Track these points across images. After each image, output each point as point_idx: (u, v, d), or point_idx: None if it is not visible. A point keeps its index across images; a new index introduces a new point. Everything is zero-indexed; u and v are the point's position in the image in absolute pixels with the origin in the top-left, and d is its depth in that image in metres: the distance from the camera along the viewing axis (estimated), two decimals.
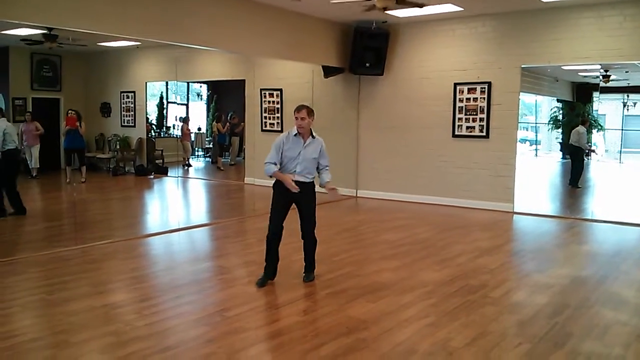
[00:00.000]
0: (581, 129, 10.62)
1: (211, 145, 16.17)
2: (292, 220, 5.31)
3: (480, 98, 9.47)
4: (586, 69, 10.23)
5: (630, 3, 8.08)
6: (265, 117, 12.01)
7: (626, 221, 8.53)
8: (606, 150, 11.98)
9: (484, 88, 9.41)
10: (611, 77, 10.44)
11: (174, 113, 15.43)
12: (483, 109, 9.46)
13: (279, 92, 11.74)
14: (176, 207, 10.77)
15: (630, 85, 11.08)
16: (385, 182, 10.64)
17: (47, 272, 5.62)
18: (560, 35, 8.68)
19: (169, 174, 13.95)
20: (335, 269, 5.81)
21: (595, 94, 11.14)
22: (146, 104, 13.98)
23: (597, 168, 11.92)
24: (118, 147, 13.72)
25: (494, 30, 9.33)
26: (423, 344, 3.95)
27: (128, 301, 4.84)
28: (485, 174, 9.50)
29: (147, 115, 14.20)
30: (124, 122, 14.00)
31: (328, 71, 10.49)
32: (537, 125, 12.61)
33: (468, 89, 9.58)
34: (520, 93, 9.33)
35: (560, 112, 12.12)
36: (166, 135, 15.31)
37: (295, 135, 5.13)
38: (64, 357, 3.67)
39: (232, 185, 13.36)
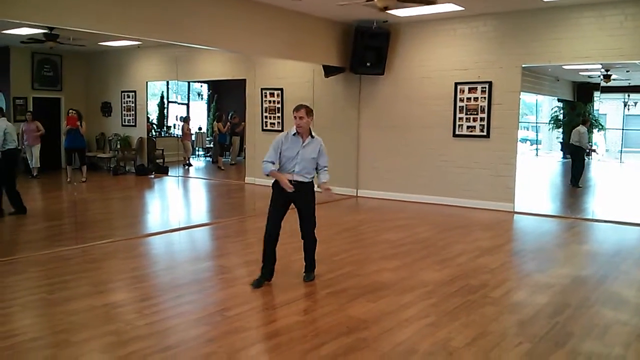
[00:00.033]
0: (582, 128, 10.62)
1: (212, 145, 16.18)
2: (293, 221, 5.31)
3: (481, 97, 9.46)
4: (587, 69, 10.23)
5: (631, 2, 8.07)
6: (266, 117, 12.01)
7: (626, 221, 8.52)
8: (607, 150, 11.98)
9: (485, 87, 9.41)
10: (612, 77, 10.44)
11: (174, 112, 15.44)
12: (484, 109, 9.45)
13: (279, 91, 11.74)
14: (177, 206, 10.77)
15: (631, 84, 11.08)
16: (386, 182, 10.64)
17: (48, 272, 5.62)
18: (561, 34, 8.67)
19: (169, 174, 13.97)
20: (336, 269, 5.81)
21: (596, 94, 11.14)
22: (147, 104, 13.99)
23: (597, 168, 11.92)
24: (119, 146, 13.73)
25: (495, 30, 9.33)
26: (423, 343, 3.95)
27: (128, 300, 4.84)
28: (486, 173, 9.50)
29: (148, 115, 14.21)
30: (125, 122, 14.01)
31: (329, 71, 10.49)
32: (538, 124, 12.61)
33: (469, 88, 9.58)
34: (521, 93, 9.32)
35: (561, 111, 12.13)
36: (167, 134, 15.32)
37: (294, 134, 5.13)
38: (64, 357, 3.67)
39: (233, 184, 13.36)
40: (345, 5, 7.95)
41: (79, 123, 11.36)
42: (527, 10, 8.89)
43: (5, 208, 8.21)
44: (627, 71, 10.36)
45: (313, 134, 5.20)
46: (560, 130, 12.14)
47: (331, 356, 3.71)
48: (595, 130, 11.39)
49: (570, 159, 11.32)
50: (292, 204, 5.23)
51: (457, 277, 5.60)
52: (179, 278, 5.54)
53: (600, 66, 9.93)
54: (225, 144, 15.25)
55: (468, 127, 9.64)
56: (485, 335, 4.11)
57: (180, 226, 8.05)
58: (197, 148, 16.44)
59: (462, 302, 4.82)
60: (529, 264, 6.30)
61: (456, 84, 9.69)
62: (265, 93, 11.98)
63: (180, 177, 14.30)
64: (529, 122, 12.49)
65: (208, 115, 16.67)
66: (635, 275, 5.87)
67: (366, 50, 10.00)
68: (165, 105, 15.18)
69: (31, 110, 12.58)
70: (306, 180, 5.18)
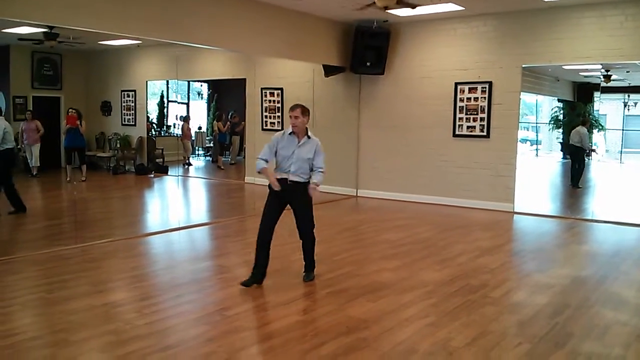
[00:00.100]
0: (582, 129, 10.62)
1: (212, 144, 16.17)
2: (293, 220, 5.30)
3: (481, 98, 9.46)
4: (587, 69, 10.22)
5: (632, 2, 8.07)
6: (266, 117, 12.01)
7: (626, 221, 8.52)
8: (607, 151, 11.98)
9: (485, 88, 9.40)
10: (612, 77, 10.43)
11: (174, 112, 15.43)
12: (484, 109, 9.45)
13: (279, 91, 11.73)
14: (176, 206, 10.77)
15: (631, 85, 11.07)
16: (386, 182, 10.63)
17: (47, 271, 5.62)
18: (561, 34, 8.67)
19: (169, 173, 13.96)
20: (336, 269, 5.80)
21: (596, 94, 11.14)
22: (147, 103, 13.98)
23: (597, 168, 11.92)
24: (118, 145, 13.72)
25: (495, 30, 9.32)
26: (423, 343, 3.95)
27: (128, 300, 4.84)
28: (486, 173, 9.49)
29: (148, 114, 14.20)
30: (125, 121, 14.00)
31: (329, 70, 10.48)
32: (538, 125, 12.60)
33: (469, 88, 9.57)
34: (521, 93, 9.32)
35: (561, 112, 12.12)
36: (167, 134, 15.31)
37: (290, 134, 5.11)
38: (63, 356, 3.67)
39: (233, 184, 13.36)
40: (342, 4, 7.96)
41: (78, 122, 11.34)
42: (527, 10, 8.88)
43: (5, 207, 8.20)
44: (627, 71, 10.36)
45: (309, 134, 5.17)
46: (560, 130, 12.14)
47: (331, 356, 3.70)
48: (595, 131, 11.39)
49: (569, 160, 11.32)
50: (288, 204, 5.20)
51: (457, 277, 5.59)
52: (179, 277, 5.54)
53: (600, 66, 9.92)
54: (225, 144, 15.25)
55: (468, 127, 9.64)
56: (485, 335, 4.10)
57: (180, 226, 8.05)
58: (197, 147, 16.44)
59: (462, 302, 4.82)
60: (529, 264, 6.29)
61: (456, 83, 9.69)
62: (265, 92, 11.98)
63: (180, 177, 14.29)
64: (529, 123, 12.49)
65: (208, 115, 16.66)
66: (635, 276, 5.86)
67: (366, 50, 9.99)
68: (165, 105, 15.17)
69: (31, 109, 12.57)
70: (302, 180, 5.13)
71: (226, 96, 16.29)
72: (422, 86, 10.09)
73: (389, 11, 8.20)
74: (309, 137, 5.15)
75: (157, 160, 14.13)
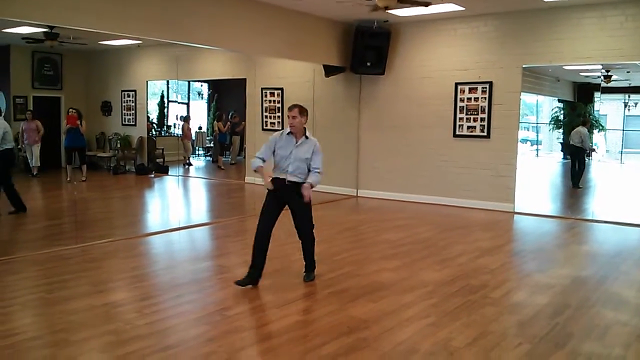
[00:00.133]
0: (583, 129, 10.62)
1: (212, 145, 16.18)
2: (291, 221, 5.30)
3: (482, 98, 9.46)
4: (587, 69, 10.22)
5: (632, 3, 8.07)
6: (266, 117, 12.01)
7: (627, 222, 8.52)
8: (607, 151, 11.98)
9: (485, 88, 9.40)
10: (612, 77, 10.43)
11: (174, 112, 15.44)
12: (484, 109, 9.44)
13: (279, 91, 11.73)
14: (177, 206, 10.77)
15: (631, 85, 11.08)
16: (386, 182, 10.63)
17: (47, 271, 5.62)
18: (561, 35, 8.67)
19: (169, 173, 13.97)
20: (336, 269, 5.80)
21: (597, 94, 11.14)
22: (147, 103, 14.00)
23: (598, 168, 11.92)
24: (119, 145, 13.74)
25: (496, 30, 9.32)
26: (424, 343, 3.95)
27: (128, 300, 4.84)
28: (486, 174, 9.49)
29: (148, 114, 14.21)
30: (125, 121, 14.01)
31: (329, 70, 10.48)
32: (538, 125, 12.60)
33: (469, 88, 9.57)
34: (522, 93, 9.32)
35: (562, 112, 12.12)
36: (167, 134, 15.32)
37: (289, 134, 5.10)
38: (63, 356, 3.67)
39: (233, 184, 13.36)
40: (346, 5, 7.96)
41: (79, 122, 11.36)
42: (527, 10, 8.88)
43: (5, 207, 8.20)
44: (628, 72, 10.36)
45: (308, 134, 5.14)
46: (561, 130, 12.14)
47: (332, 356, 3.70)
48: (595, 131, 11.39)
49: (569, 160, 11.32)
50: (287, 205, 5.18)
51: (457, 277, 5.59)
52: (179, 277, 5.54)
53: (600, 67, 9.92)
54: (225, 144, 15.25)
55: (468, 127, 9.64)
56: (485, 335, 4.10)
57: (180, 226, 8.05)
58: (197, 147, 16.44)
59: (462, 303, 4.82)
60: (529, 265, 6.29)
61: (456, 84, 9.69)
62: (266, 92, 11.98)
63: (180, 177, 14.29)
64: (529, 123, 12.48)
65: (208, 115, 16.67)
66: (636, 276, 5.86)
67: (366, 50, 9.99)
68: (166, 105, 15.18)
69: (31, 109, 12.57)
70: (300, 180, 5.10)
71: (226, 96, 16.29)
72: (423, 86, 10.09)
73: (389, 11, 8.20)
74: (306, 137, 5.12)
75: (158, 160, 14.14)
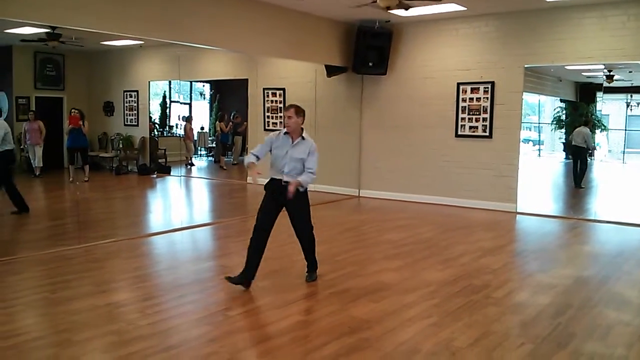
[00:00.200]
0: (585, 129, 10.61)
1: (214, 145, 16.21)
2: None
3: (484, 98, 9.45)
4: (589, 69, 10.22)
5: (634, 2, 8.06)
6: (268, 117, 12.02)
7: (629, 221, 8.50)
8: (609, 151, 11.98)
9: (487, 88, 9.40)
10: (615, 77, 10.43)
11: (177, 112, 15.48)
12: (486, 109, 9.44)
13: (281, 91, 11.74)
14: (179, 206, 10.79)
15: (633, 85, 11.08)
16: (388, 182, 10.63)
17: (50, 271, 5.63)
18: (563, 35, 8.66)
19: (171, 173, 13.99)
20: (338, 269, 5.80)
21: (599, 94, 11.14)
22: (149, 103, 14.03)
23: (600, 168, 11.92)
24: (121, 146, 13.77)
25: (497, 30, 9.32)
26: (426, 343, 3.95)
27: (131, 300, 4.85)
28: (488, 174, 9.48)
29: (150, 115, 14.25)
30: (127, 121, 14.05)
31: (331, 70, 10.48)
32: (540, 125, 12.60)
33: (471, 88, 9.56)
34: (524, 93, 9.31)
35: (564, 112, 12.12)
36: (169, 134, 15.36)
37: (285, 134, 5.09)
38: (66, 356, 3.68)
39: (235, 184, 13.37)
40: (344, 4, 7.97)
41: (81, 122, 11.39)
42: (529, 10, 8.88)
43: (8, 207, 8.22)
44: (630, 72, 10.36)
45: (304, 135, 5.09)
46: (563, 130, 12.14)
47: (333, 356, 3.70)
48: (597, 131, 11.39)
49: (571, 160, 11.32)
50: (284, 208, 5.14)
51: (459, 277, 5.59)
52: (181, 278, 5.54)
53: (602, 67, 9.92)
54: (227, 144, 15.28)
55: (470, 127, 9.63)
56: (487, 335, 4.10)
57: (183, 226, 8.06)
58: (199, 148, 16.48)
59: (464, 303, 4.81)
60: (531, 265, 6.29)
61: (458, 84, 9.68)
62: (268, 93, 11.99)
63: (182, 177, 14.32)
64: (531, 123, 12.48)
65: (210, 115, 16.70)
66: (638, 276, 5.86)
67: (368, 50, 9.99)
68: (168, 105, 15.21)
69: (34, 109, 12.60)
70: None
71: (228, 96, 16.32)
72: (425, 86, 10.09)
73: (391, 11, 8.20)
74: (303, 137, 5.08)
75: (160, 160, 14.17)
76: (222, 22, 8.08)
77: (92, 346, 3.86)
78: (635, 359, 3.82)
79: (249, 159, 5.08)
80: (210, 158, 16.68)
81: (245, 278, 5.05)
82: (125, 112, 14.06)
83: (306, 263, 5.41)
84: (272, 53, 9.68)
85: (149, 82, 13.81)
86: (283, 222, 5.24)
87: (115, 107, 14.24)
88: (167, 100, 15.20)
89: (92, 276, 5.49)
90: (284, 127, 5.09)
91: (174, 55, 12.11)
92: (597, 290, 5.28)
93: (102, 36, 9.80)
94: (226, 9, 8.12)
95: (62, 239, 7.01)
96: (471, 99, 9.58)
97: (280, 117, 11.82)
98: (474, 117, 9.58)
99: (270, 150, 5.12)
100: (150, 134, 13.93)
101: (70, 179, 11.68)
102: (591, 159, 11.31)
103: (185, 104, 16.07)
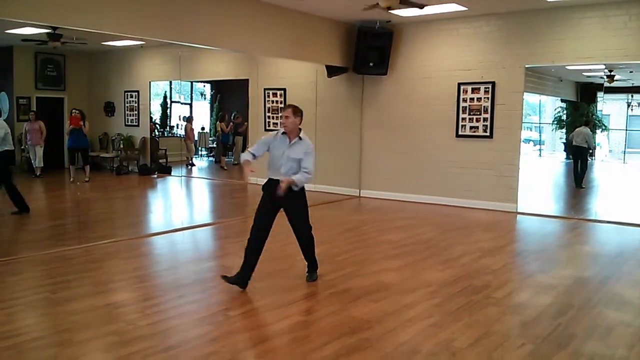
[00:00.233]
0: (586, 129, 10.61)
1: (214, 145, 16.20)
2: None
3: (484, 98, 9.45)
4: (590, 69, 10.21)
5: (636, 2, 8.05)
6: (269, 117, 12.02)
7: (629, 222, 8.50)
8: (610, 151, 11.96)
9: (488, 88, 9.39)
10: (615, 77, 10.42)
11: (177, 112, 15.46)
12: (487, 109, 9.44)
13: (282, 91, 11.74)
14: (179, 206, 10.79)
15: (634, 85, 11.06)
16: (388, 182, 10.62)
17: (50, 271, 5.63)
18: (564, 35, 8.66)
19: (172, 174, 13.99)
20: (338, 269, 5.80)
21: (600, 94, 11.12)
22: (150, 104, 14.02)
23: (601, 168, 11.90)
24: (122, 146, 13.76)
25: (498, 30, 9.31)
26: (426, 344, 3.94)
27: (131, 300, 4.85)
28: (489, 174, 9.48)
29: (151, 115, 14.24)
30: (128, 122, 14.04)
31: (331, 71, 10.48)
32: (541, 125, 12.59)
33: (472, 88, 9.56)
34: (524, 93, 9.31)
35: (564, 112, 12.11)
36: (170, 134, 15.35)
37: (283, 134, 5.09)
38: (66, 356, 3.68)
39: (236, 184, 13.36)
40: (345, 4, 7.97)
41: (82, 123, 11.38)
42: (530, 10, 8.87)
43: (8, 208, 8.22)
44: (631, 72, 10.35)
45: (302, 135, 5.08)
46: (564, 130, 12.12)
47: (334, 356, 3.70)
48: (598, 131, 11.38)
49: (572, 160, 11.31)
50: (282, 209, 5.12)
51: (459, 277, 5.59)
52: (182, 278, 5.54)
53: (603, 67, 9.91)
54: (228, 144, 15.27)
55: (471, 127, 9.63)
56: (488, 335, 4.10)
57: (183, 226, 8.06)
58: (200, 148, 16.47)
59: (465, 303, 4.81)
60: (531, 265, 6.28)
61: (459, 84, 9.68)
62: (268, 93, 11.99)
63: (183, 177, 14.31)
64: (532, 123, 12.47)
65: (211, 115, 16.69)
66: (638, 277, 5.85)
67: (369, 50, 9.99)
68: (168, 105, 15.21)
69: (34, 110, 12.60)
70: None
71: (229, 97, 16.31)
72: (425, 86, 10.09)
73: (391, 11, 8.20)
74: (300, 138, 5.06)
75: (160, 160, 14.16)
76: (223, 22, 8.08)
77: (92, 346, 3.86)
78: (636, 359, 3.81)
79: (244, 156, 5.07)
80: (210, 158, 16.67)
81: (241, 278, 5.04)
82: (126, 112, 14.05)
83: (306, 263, 5.41)
84: (273, 53, 9.68)
85: (150, 82, 13.80)
86: (283, 222, 5.23)
87: (116, 107, 14.23)
88: (168, 101, 15.19)
89: (93, 276, 5.49)
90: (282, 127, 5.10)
91: (174, 55, 12.10)
92: (598, 290, 5.27)
93: (103, 36, 9.79)
94: (227, 9, 8.12)
95: (63, 239, 7.02)
96: (472, 99, 9.58)
97: (281, 117, 11.82)
98: (474, 117, 9.58)
99: (269, 150, 5.12)
100: (151, 134, 13.92)
101: (71, 179, 11.67)
102: (592, 159, 11.29)
103: (185, 104, 16.06)
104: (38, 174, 11.84)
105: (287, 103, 11.57)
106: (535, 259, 6.56)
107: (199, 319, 4.38)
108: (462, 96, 9.67)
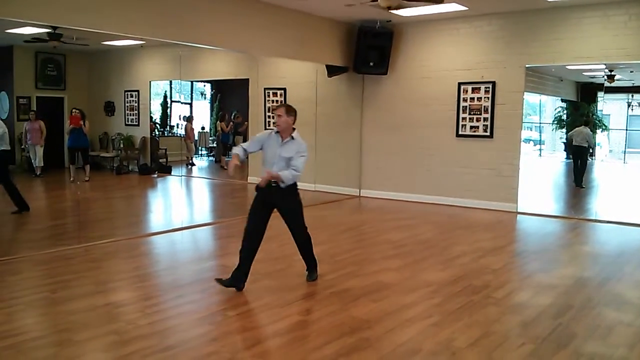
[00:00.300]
0: (586, 129, 10.60)
1: (215, 145, 16.20)
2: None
3: (485, 98, 9.45)
4: (591, 69, 10.20)
5: (636, 2, 8.05)
6: (269, 117, 12.01)
7: (630, 222, 8.49)
8: (610, 151, 11.95)
9: (488, 88, 9.39)
10: (616, 77, 10.41)
11: (177, 112, 15.46)
12: (487, 109, 9.43)
13: (282, 91, 11.73)
14: (179, 206, 10.78)
15: (634, 85, 11.05)
16: (389, 182, 10.62)
17: (50, 271, 5.63)
18: (564, 34, 8.65)
19: (172, 173, 13.98)
20: (338, 269, 5.80)
21: (600, 94, 11.11)
22: (150, 103, 14.01)
23: (601, 168, 11.89)
24: (122, 146, 13.75)
25: (499, 30, 9.31)
26: (426, 343, 3.94)
27: (130, 300, 4.84)
28: (489, 173, 9.47)
29: (151, 114, 14.23)
30: (128, 121, 14.02)
31: (332, 70, 10.47)
32: (541, 125, 12.57)
33: (472, 88, 9.56)
34: (525, 93, 9.30)
35: (565, 112, 12.10)
36: (170, 134, 15.35)
37: (276, 133, 5.07)
38: (66, 356, 3.67)
39: (236, 184, 13.35)
40: (346, 4, 7.96)
41: (82, 122, 11.37)
42: (530, 10, 8.87)
43: (8, 207, 8.21)
44: (631, 71, 10.33)
45: (294, 135, 5.03)
46: (564, 130, 12.11)
47: (333, 356, 3.70)
48: (598, 131, 11.37)
49: (572, 160, 11.29)
50: (276, 209, 5.10)
51: (459, 277, 5.58)
52: (181, 278, 5.54)
53: (604, 66, 9.90)
54: (228, 144, 15.26)
55: (471, 127, 9.63)
56: (488, 335, 4.10)
57: (183, 226, 8.05)
58: (200, 147, 16.47)
59: (465, 303, 4.81)
60: (531, 265, 6.28)
61: (459, 84, 9.68)
62: (268, 93, 11.98)
63: (183, 177, 14.31)
64: (532, 123, 12.46)
65: (211, 115, 16.69)
66: (639, 277, 5.84)
67: (369, 50, 9.98)
68: (169, 105, 15.20)
69: (34, 109, 12.60)
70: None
71: (229, 96, 16.31)
72: (425, 86, 10.08)
73: (392, 11, 8.19)
74: (292, 137, 5.03)
75: (161, 160, 14.16)
76: (223, 21, 8.08)
77: (91, 346, 3.86)
78: (637, 359, 3.81)
79: (235, 150, 5.07)
80: (211, 158, 16.67)
81: (236, 280, 5.00)
82: (126, 112, 14.04)
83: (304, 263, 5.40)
84: (273, 53, 9.67)
85: (150, 82, 13.80)
86: (281, 223, 5.23)
87: (116, 107, 14.21)
88: (168, 100, 15.19)
89: (92, 276, 5.49)
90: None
91: (175, 55, 12.09)
92: (598, 290, 5.27)
93: (103, 36, 9.79)
94: (228, 8, 8.11)
95: (63, 239, 7.02)
96: (472, 99, 9.58)
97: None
98: (474, 117, 9.57)
99: (262, 149, 5.11)
100: (151, 133, 13.91)
101: (71, 179, 11.66)
102: (592, 159, 11.28)
103: (186, 103, 16.06)
104: (38, 173, 11.83)
105: (287, 103, 11.59)
106: (535, 259, 6.56)
107: (198, 319, 4.38)
108: (462, 96, 9.67)
